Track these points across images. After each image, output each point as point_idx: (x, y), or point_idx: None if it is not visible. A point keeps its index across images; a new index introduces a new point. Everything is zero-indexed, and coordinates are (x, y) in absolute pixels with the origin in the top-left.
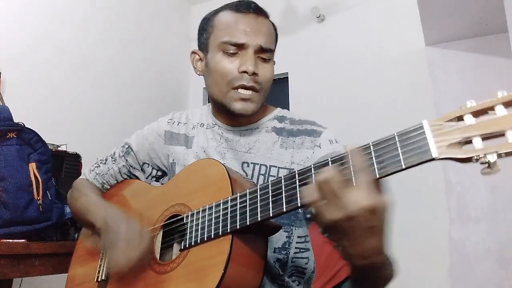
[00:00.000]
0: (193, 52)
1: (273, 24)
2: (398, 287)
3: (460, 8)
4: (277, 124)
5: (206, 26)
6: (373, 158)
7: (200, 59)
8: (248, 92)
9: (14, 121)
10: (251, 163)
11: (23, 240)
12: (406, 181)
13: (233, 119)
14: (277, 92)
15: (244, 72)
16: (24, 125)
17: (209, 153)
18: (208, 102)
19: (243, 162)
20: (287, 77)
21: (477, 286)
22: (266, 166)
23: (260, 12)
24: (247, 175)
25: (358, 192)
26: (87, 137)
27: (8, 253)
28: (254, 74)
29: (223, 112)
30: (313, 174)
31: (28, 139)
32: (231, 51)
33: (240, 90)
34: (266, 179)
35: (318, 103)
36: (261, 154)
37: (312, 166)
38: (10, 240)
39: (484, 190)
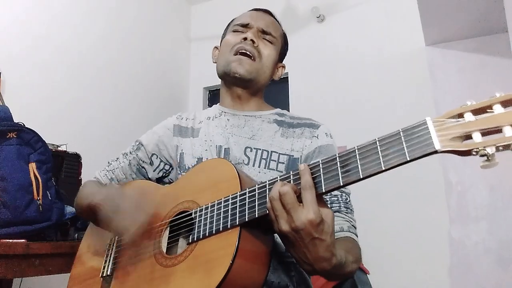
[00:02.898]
0: (215, 47)
1: (282, 31)
2: (398, 287)
3: (460, 8)
4: (278, 117)
5: (228, 26)
6: (379, 152)
7: (218, 51)
8: (245, 57)
9: (14, 121)
10: (254, 148)
11: (23, 240)
12: (406, 181)
13: (236, 97)
14: (277, 92)
15: (245, 39)
16: (24, 125)
17: (215, 140)
18: (209, 103)
19: (246, 147)
20: (287, 77)
21: (477, 286)
22: (267, 151)
23: (269, 12)
24: (249, 159)
25: (302, 208)
26: (87, 137)
27: (8, 253)
28: (253, 41)
29: (228, 87)
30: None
31: (28, 139)
32: (239, 30)
33: (238, 56)
34: (267, 163)
35: (318, 103)
36: (263, 141)
37: (291, 173)
38: (10, 240)
39: (484, 189)
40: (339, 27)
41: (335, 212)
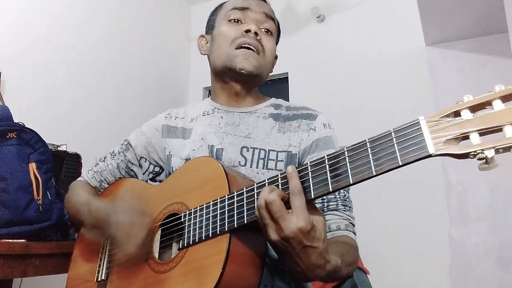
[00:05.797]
0: (201, 36)
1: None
2: (398, 287)
3: (460, 8)
4: (274, 111)
5: (215, 11)
6: (370, 155)
7: (206, 41)
8: (250, 51)
9: (14, 121)
10: (251, 147)
11: (23, 240)
12: (406, 181)
13: (233, 94)
14: (277, 92)
15: (247, 31)
16: (24, 125)
17: (207, 139)
18: (209, 96)
19: (242, 147)
20: (287, 77)
21: (477, 286)
22: (265, 150)
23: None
24: (246, 160)
25: (291, 216)
26: (87, 137)
27: (8, 253)
28: (256, 34)
29: (226, 83)
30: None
31: (28, 139)
32: (236, 18)
33: (242, 49)
34: (265, 163)
35: (318, 103)
36: (260, 139)
37: (279, 175)
38: (10, 240)
39: (484, 190)
40: (339, 27)
41: (332, 210)
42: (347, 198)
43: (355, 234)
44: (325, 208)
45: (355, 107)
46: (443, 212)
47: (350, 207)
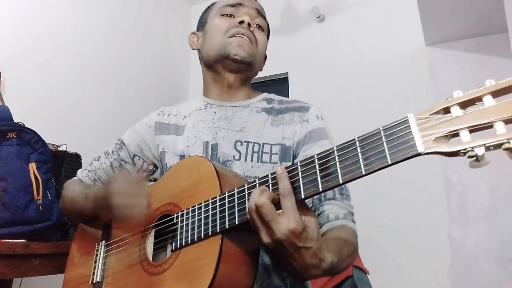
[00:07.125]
0: (192, 33)
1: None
2: (398, 287)
3: (460, 8)
4: (266, 105)
5: (206, 10)
6: (359, 154)
7: (198, 38)
8: (244, 39)
9: (14, 121)
10: (245, 141)
11: (23, 240)
12: (406, 181)
13: (226, 86)
14: (277, 92)
15: (241, 22)
16: (24, 125)
17: (201, 136)
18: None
19: (236, 141)
20: (287, 77)
21: (477, 286)
22: (259, 144)
23: None
24: (241, 154)
25: (282, 218)
26: (87, 137)
27: (8, 253)
28: (249, 25)
29: (218, 74)
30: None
31: (28, 139)
32: (229, 12)
33: (236, 37)
34: (259, 157)
35: (318, 103)
36: (254, 133)
37: (270, 176)
38: (10, 240)
39: (484, 190)
40: (339, 27)
41: (329, 199)
42: (344, 186)
43: (354, 222)
44: (322, 198)
45: (355, 107)
46: (443, 212)
47: (347, 195)
